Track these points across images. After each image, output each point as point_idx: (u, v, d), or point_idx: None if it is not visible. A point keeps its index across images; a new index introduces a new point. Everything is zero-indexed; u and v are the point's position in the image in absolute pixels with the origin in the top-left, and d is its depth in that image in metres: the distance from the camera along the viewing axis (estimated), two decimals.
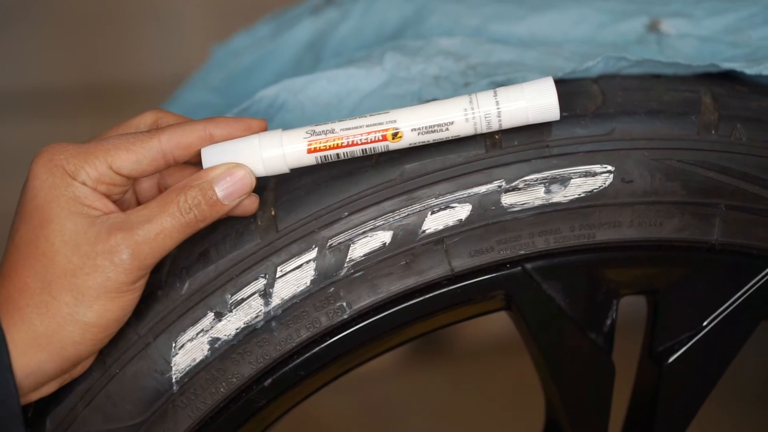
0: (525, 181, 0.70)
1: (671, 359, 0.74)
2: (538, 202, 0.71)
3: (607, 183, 0.71)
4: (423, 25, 0.87)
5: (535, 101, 0.69)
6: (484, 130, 0.69)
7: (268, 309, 0.71)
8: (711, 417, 0.95)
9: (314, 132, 0.69)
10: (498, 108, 0.69)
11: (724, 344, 0.74)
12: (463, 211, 0.70)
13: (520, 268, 0.72)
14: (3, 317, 0.66)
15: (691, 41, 0.80)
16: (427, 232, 0.71)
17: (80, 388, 0.71)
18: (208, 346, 0.71)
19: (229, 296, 0.71)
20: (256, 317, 0.71)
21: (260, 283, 0.71)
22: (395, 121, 0.69)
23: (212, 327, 0.71)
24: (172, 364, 0.71)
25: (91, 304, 0.67)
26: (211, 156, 0.70)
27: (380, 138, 0.69)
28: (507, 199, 0.70)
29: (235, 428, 0.73)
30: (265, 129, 0.71)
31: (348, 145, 0.69)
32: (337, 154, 0.69)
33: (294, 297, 0.71)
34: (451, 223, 0.71)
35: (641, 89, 0.73)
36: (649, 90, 0.73)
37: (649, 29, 0.81)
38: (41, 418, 0.71)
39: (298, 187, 0.72)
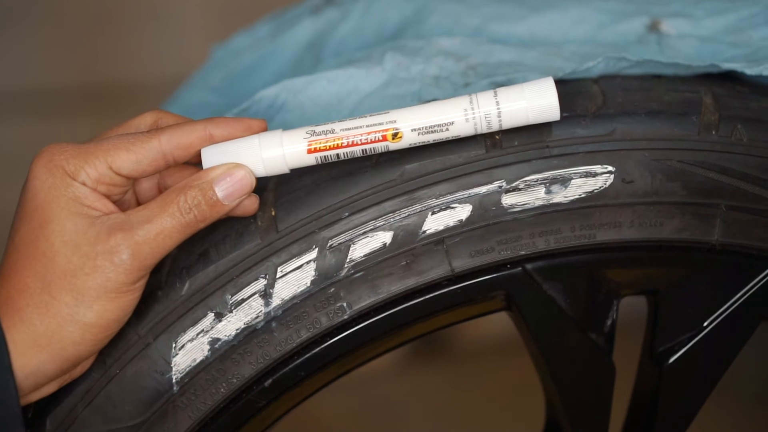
0: (525, 181, 0.70)
1: (672, 360, 0.74)
2: (538, 203, 0.70)
3: (608, 183, 0.71)
4: (423, 26, 0.87)
5: (535, 101, 0.68)
6: (485, 131, 0.69)
7: (268, 309, 0.71)
8: (711, 417, 0.94)
9: (314, 132, 0.69)
10: (498, 108, 0.68)
11: (724, 345, 0.74)
12: (463, 212, 0.70)
13: (520, 268, 0.72)
14: (3, 318, 0.66)
15: (692, 41, 0.80)
16: (427, 232, 0.71)
17: (80, 389, 0.71)
18: (208, 347, 0.71)
19: (230, 297, 0.71)
20: (257, 318, 0.71)
21: (260, 283, 0.70)
22: (395, 121, 0.69)
23: (212, 327, 0.71)
24: (172, 365, 0.71)
25: (91, 305, 0.67)
26: (211, 156, 0.70)
27: (380, 138, 0.69)
28: (507, 200, 0.70)
29: (236, 429, 0.73)
30: (266, 129, 0.71)
31: (348, 146, 0.69)
32: (338, 155, 0.69)
33: (294, 297, 0.71)
34: (451, 224, 0.71)
35: (642, 90, 0.73)
36: (650, 90, 0.73)
37: (650, 29, 0.81)
38: (41, 418, 0.71)
39: (298, 187, 0.72)
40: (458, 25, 0.85)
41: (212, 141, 0.70)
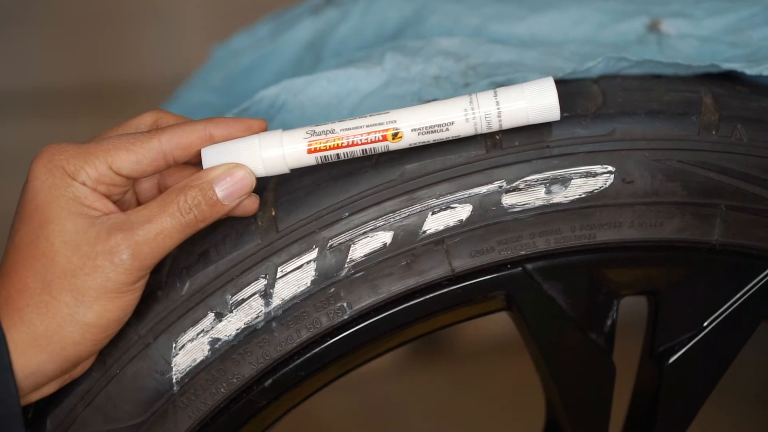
0: (526, 181, 0.70)
1: (672, 359, 0.74)
2: (538, 203, 0.70)
3: (608, 183, 0.71)
4: (423, 26, 0.87)
5: (535, 101, 0.68)
6: (485, 131, 0.69)
7: (268, 309, 0.71)
8: (711, 417, 0.94)
9: (314, 132, 0.69)
10: (498, 108, 0.68)
11: (724, 345, 0.74)
12: (463, 212, 0.70)
13: (520, 268, 0.72)
14: (3, 318, 0.66)
15: (692, 41, 0.80)
16: (427, 232, 0.71)
17: (80, 389, 0.71)
18: (208, 347, 0.71)
19: (230, 297, 0.71)
20: (257, 318, 0.71)
21: (261, 283, 0.70)
22: (395, 121, 0.69)
23: (213, 327, 0.71)
24: (172, 365, 0.71)
25: (91, 305, 0.67)
26: (211, 156, 0.70)
27: (380, 138, 0.69)
28: (508, 200, 0.70)
29: (236, 428, 0.73)
30: (266, 129, 0.71)
31: (348, 146, 0.69)
32: (338, 155, 0.69)
33: (294, 297, 0.71)
34: (451, 224, 0.71)
35: (642, 90, 0.73)
36: (650, 90, 0.73)
37: (650, 29, 0.81)
38: (41, 418, 0.71)
39: (298, 187, 0.72)
40: (458, 25, 0.85)
41: (212, 141, 0.70)
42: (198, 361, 0.71)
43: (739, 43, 0.79)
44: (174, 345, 0.71)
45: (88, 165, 0.68)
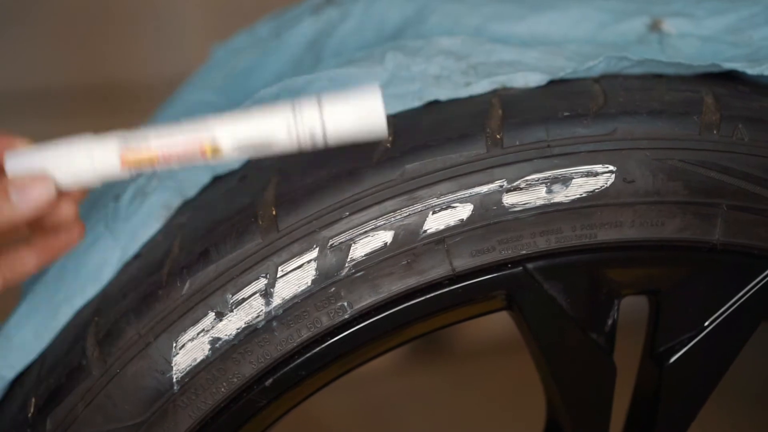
0: (527, 180, 0.70)
1: (672, 359, 0.74)
2: (539, 202, 0.70)
3: (609, 183, 0.71)
4: (423, 25, 0.87)
5: (361, 118, 0.65)
6: (309, 148, 0.66)
7: (269, 309, 0.71)
8: (711, 417, 0.94)
9: (127, 143, 0.66)
10: (323, 125, 0.65)
11: (725, 344, 0.74)
12: (464, 211, 0.70)
13: (521, 268, 0.71)
14: None
15: (693, 41, 0.80)
16: (428, 231, 0.70)
17: (81, 388, 0.71)
18: (208, 346, 0.71)
19: (230, 296, 0.71)
20: (257, 317, 0.71)
21: (261, 282, 0.70)
22: (214, 137, 0.65)
23: (213, 327, 0.71)
24: (172, 364, 0.71)
25: None
26: (15, 163, 0.67)
27: (198, 154, 0.65)
28: (508, 199, 0.70)
29: (236, 428, 0.73)
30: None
31: (164, 160, 0.66)
32: (153, 169, 0.66)
33: (295, 297, 0.71)
34: (452, 223, 0.70)
35: (643, 89, 0.73)
36: (651, 90, 0.73)
37: (651, 29, 0.81)
38: (42, 418, 0.71)
39: (299, 187, 0.71)
40: (459, 24, 0.85)
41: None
42: (198, 360, 0.71)
43: (739, 42, 0.79)
44: (174, 344, 0.71)
45: None
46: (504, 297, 0.73)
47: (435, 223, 0.70)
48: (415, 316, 0.72)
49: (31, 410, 0.72)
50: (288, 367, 0.72)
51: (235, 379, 0.71)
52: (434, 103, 0.75)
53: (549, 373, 0.75)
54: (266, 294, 0.70)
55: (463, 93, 0.74)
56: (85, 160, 0.66)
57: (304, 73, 0.81)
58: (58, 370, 0.73)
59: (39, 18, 1.92)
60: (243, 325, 0.71)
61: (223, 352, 0.71)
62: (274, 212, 0.71)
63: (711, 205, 0.71)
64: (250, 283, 0.70)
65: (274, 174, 0.73)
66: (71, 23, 1.94)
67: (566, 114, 0.70)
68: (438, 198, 0.70)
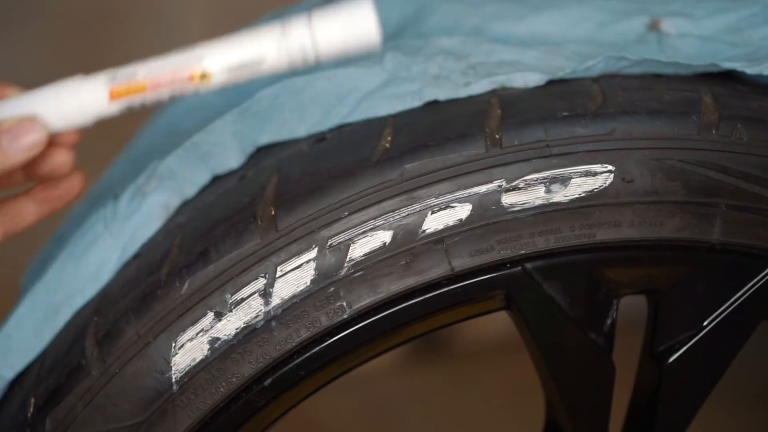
0: (525, 180, 0.70)
1: (672, 359, 0.74)
2: (538, 202, 0.70)
3: (608, 183, 0.71)
4: (423, 25, 0.87)
5: (352, 30, 0.63)
6: (300, 66, 0.64)
7: (268, 309, 0.71)
8: (711, 417, 0.94)
9: (115, 77, 0.64)
10: (313, 40, 0.63)
11: (724, 344, 0.74)
12: (463, 211, 0.70)
13: (520, 267, 0.71)
14: None
15: (692, 41, 0.80)
16: (427, 231, 0.71)
17: (80, 388, 0.71)
18: (208, 346, 0.71)
19: (229, 296, 0.71)
20: (256, 317, 0.71)
21: (260, 282, 0.70)
22: (202, 59, 0.64)
23: (212, 327, 0.71)
24: (171, 364, 0.71)
25: None
26: (4, 110, 0.66)
27: (187, 79, 0.64)
28: (507, 199, 0.70)
29: (235, 428, 0.73)
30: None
31: (153, 89, 0.64)
32: (143, 102, 0.65)
33: (294, 297, 0.71)
34: (451, 223, 0.71)
35: (642, 89, 0.73)
36: (650, 90, 0.73)
37: (650, 29, 0.81)
38: (41, 418, 0.71)
39: (298, 186, 0.72)
40: (458, 24, 0.85)
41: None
42: (197, 360, 0.71)
43: (739, 42, 0.79)
44: (173, 344, 0.71)
45: None
46: (503, 297, 0.73)
47: (434, 223, 0.70)
48: (414, 316, 0.72)
49: (31, 410, 0.72)
50: (287, 367, 0.72)
51: (234, 379, 0.71)
52: (433, 103, 0.75)
53: (548, 372, 0.75)
54: (265, 294, 0.71)
55: (463, 93, 0.74)
56: (73, 99, 0.65)
57: (303, 73, 0.81)
58: (58, 369, 0.73)
59: (39, 18, 1.92)
60: (242, 325, 0.71)
61: (222, 352, 0.71)
62: (273, 212, 0.71)
63: (710, 204, 0.71)
64: (249, 283, 0.70)
65: (273, 174, 0.73)
66: (71, 23, 1.94)
67: (565, 114, 0.70)
68: (437, 198, 0.70)
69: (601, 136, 0.70)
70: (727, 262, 0.73)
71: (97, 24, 1.95)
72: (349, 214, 0.70)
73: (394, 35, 0.89)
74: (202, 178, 0.78)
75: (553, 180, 0.70)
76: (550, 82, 0.74)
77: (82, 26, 1.95)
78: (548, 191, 0.70)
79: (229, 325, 0.71)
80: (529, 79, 0.74)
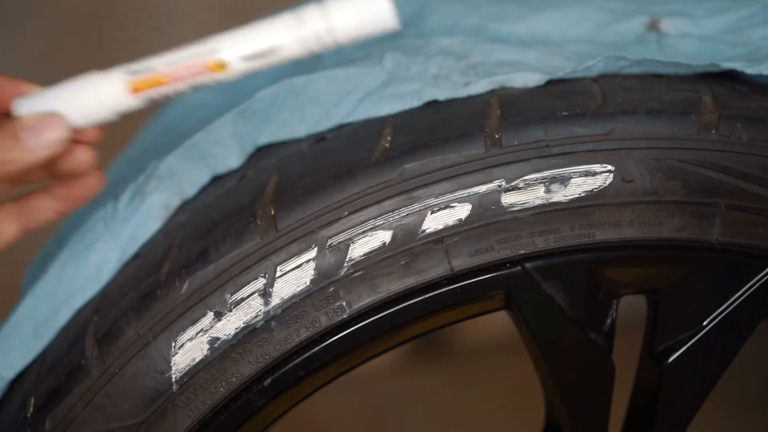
0: (525, 180, 0.70)
1: (671, 359, 0.74)
2: (538, 202, 0.70)
3: (608, 182, 0.71)
4: (423, 25, 0.87)
5: (366, 11, 0.63)
6: (319, 50, 0.65)
7: (267, 308, 0.71)
8: (711, 417, 0.94)
9: (133, 71, 0.65)
10: (328, 24, 0.64)
11: (724, 344, 0.74)
12: (462, 211, 0.70)
13: (520, 267, 0.71)
14: None
15: (692, 41, 0.80)
16: (426, 231, 0.71)
17: (80, 388, 0.71)
18: (207, 346, 0.71)
19: (229, 296, 0.71)
20: (256, 317, 0.71)
21: (260, 282, 0.70)
22: (219, 50, 0.64)
23: (212, 326, 0.71)
24: (171, 364, 0.71)
25: None
26: (25, 107, 0.66)
27: (205, 70, 0.64)
28: (507, 199, 0.70)
29: (235, 428, 0.73)
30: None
31: (172, 81, 0.65)
32: (163, 93, 0.65)
33: (294, 296, 0.71)
34: (450, 223, 0.71)
35: (641, 89, 0.73)
36: (650, 89, 0.73)
37: (649, 29, 0.81)
38: (41, 417, 0.71)
39: (297, 186, 0.72)
40: (458, 24, 0.85)
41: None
42: (197, 360, 0.71)
43: (738, 42, 0.79)
44: (173, 344, 0.71)
45: None
46: (502, 296, 0.73)
47: (433, 222, 0.70)
48: (413, 316, 0.72)
49: (31, 410, 0.72)
50: (287, 367, 0.72)
51: (234, 379, 0.71)
52: (433, 103, 0.75)
53: (548, 372, 0.75)
54: (265, 294, 0.71)
55: (462, 93, 0.74)
56: (92, 94, 0.65)
57: (303, 72, 0.81)
58: (58, 369, 0.73)
59: (39, 18, 1.92)
60: (242, 325, 0.71)
61: (221, 352, 0.71)
62: (272, 212, 0.71)
63: (709, 204, 0.71)
64: (248, 282, 0.71)
65: (273, 174, 0.73)
66: (72, 23, 1.94)
67: (565, 114, 0.71)
68: (436, 198, 0.70)
69: (601, 136, 0.70)
70: (727, 261, 0.73)
71: (97, 24, 1.95)
72: (348, 214, 0.70)
73: (395, 35, 0.89)
74: (202, 178, 0.78)
75: (553, 180, 0.70)
76: (550, 82, 0.74)
77: (82, 26, 1.95)
78: (548, 191, 0.70)
79: (229, 325, 0.71)
80: (528, 79, 0.74)
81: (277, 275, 0.70)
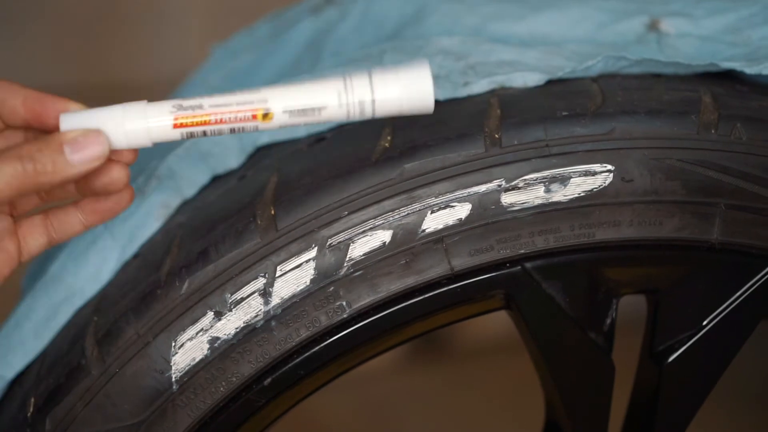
0: (525, 180, 0.70)
1: (671, 358, 0.74)
2: (537, 202, 0.71)
3: (607, 182, 0.71)
4: (422, 25, 0.87)
5: (410, 92, 0.66)
6: (357, 118, 0.67)
7: (267, 308, 0.71)
8: (711, 417, 0.94)
9: (181, 106, 0.67)
10: (372, 96, 0.66)
11: (724, 343, 0.74)
12: (462, 211, 0.70)
13: (519, 267, 0.72)
14: None
15: (691, 41, 0.80)
16: (426, 231, 0.71)
17: (80, 388, 0.71)
18: (207, 346, 0.71)
19: (229, 295, 0.71)
20: (256, 316, 0.71)
21: (260, 282, 0.70)
22: (267, 101, 0.66)
23: (212, 326, 0.71)
24: (171, 363, 0.71)
25: None
26: (69, 122, 0.68)
27: (250, 117, 0.67)
28: (507, 199, 0.70)
29: (235, 427, 0.73)
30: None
31: (216, 123, 0.67)
32: (204, 132, 0.67)
33: (294, 296, 0.71)
34: (450, 223, 0.71)
35: (641, 89, 0.73)
36: (649, 89, 0.73)
37: (649, 29, 0.81)
38: (41, 417, 0.71)
39: (297, 186, 0.72)
40: (458, 24, 0.85)
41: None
42: (197, 359, 0.71)
43: (738, 42, 0.79)
44: (173, 344, 0.71)
45: None
46: (502, 296, 0.73)
47: (433, 222, 0.70)
48: (413, 316, 0.72)
49: (31, 410, 0.72)
50: (287, 367, 0.72)
51: (234, 379, 0.71)
52: None
53: (548, 372, 0.75)
54: (265, 293, 0.71)
55: (462, 93, 0.74)
56: (139, 121, 0.67)
57: (303, 72, 0.82)
58: (58, 369, 0.73)
59: (39, 18, 1.92)
60: (242, 325, 0.71)
61: (221, 352, 0.71)
62: (272, 212, 0.71)
63: (709, 204, 0.71)
64: (248, 282, 0.71)
65: (273, 174, 0.73)
66: (72, 23, 1.94)
67: (564, 113, 0.71)
68: (436, 197, 0.70)
69: (601, 136, 0.70)
70: (727, 261, 0.73)
71: (97, 24, 1.95)
72: (348, 214, 0.70)
73: (394, 35, 0.89)
74: (202, 177, 0.78)
75: (553, 179, 0.70)
76: (550, 82, 0.74)
77: (82, 26, 1.95)
78: (548, 191, 0.70)
79: (229, 325, 0.71)
80: (528, 79, 0.74)
81: (277, 275, 0.70)
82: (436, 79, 0.76)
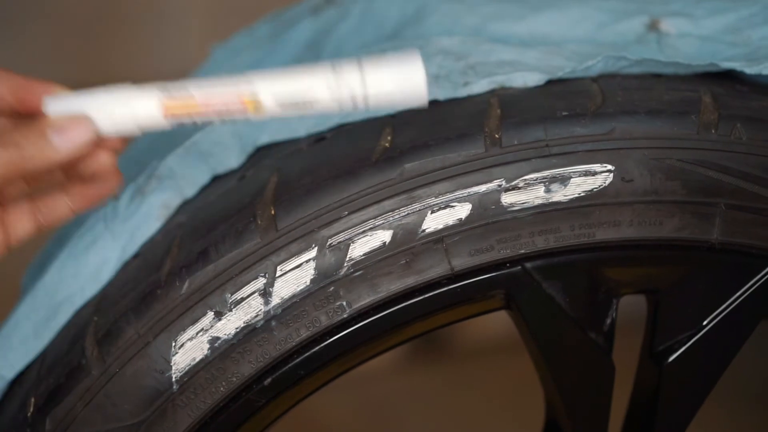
0: (525, 180, 0.70)
1: (671, 358, 0.74)
2: (538, 202, 0.71)
3: (607, 182, 0.71)
4: (422, 25, 0.87)
5: (403, 85, 0.66)
6: (348, 102, 0.66)
7: (267, 308, 0.71)
8: (711, 417, 0.94)
9: (169, 94, 0.66)
10: (362, 76, 0.66)
11: (724, 343, 0.74)
12: (462, 210, 0.70)
13: (520, 267, 0.72)
14: None
15: (691, 41, 0.80)
16: (426, 231, 0.71)
17: (80, 388, 0.71)
18: (207, 345, 0.71)
19: (229, 295, 0.71)
20: (256, 316, 0.71)
21: (260, 282, 0.70)
22: (254, 91, 0.66)
23: (212, 326, 0.71)
24: (171, 363, 0.71)
25: None
26: (54, 106, 0.67)
27: (240, 107, 0.66)
28: (507, 199, 0.70)
29: (235, 427, 0.73)
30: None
31: (204, 108, 0.66)
32: (193, 120, 0.67)
33: (294, 296, 0.71)
34: (450, 223, 0.71)
35: (641, 89, 0.73)
36: (649, 89, 0.73)
37: (649, 29, 0.81)
38: (41, 417, 0.71)
39: (297, 186, 0.72)
40: (458, 24, 0.85)
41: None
42: (197, 359, 0.71)
43: (738, 42, 0.79)
44: (173, 344, 0.71)
45: None
46: (502, 296, 0.73)
47: (433, 222, 0.70)
48: (413, 316, 0.72)
49: (31, 410, 0.72)
50: (287, 367, 0.72)
51: (234, 379, 0.71)
52: (433, 103, 0.74)
53: (548, 372, 0.75)
54: (265, 293, 0.71)
55: (462, 93, 0.74)
56: (125, 107, 0.66)
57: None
58: (58, 369, 0.73)
59: (39, 18, 1.92)
60: (242, 325, 0.71)
61: (222, 352, 0.71)
62: (272, 212, 0.71)
63: (709, 204, 0.71)
64: (248, 282, 0.71)
65: (273, 173, 0.73)
66: (72, 23, 1.94)
67: (564, 113, 0.71)
68: (436, 197, 0.70)
69: (601, 136, 0.70)
70: (727, 261, 0.73)
71: (97, 24, 1.95)
72: (348, 214, 0.70)
73: (394, 35, 0.89)
74: (202, 177, 0.78)
75: (553, 179, 0.70)
76: (550, 82, 0.74)
77: (82, 26, 1.95)
78: (548, 191, 0.71)
79: (229, 325, 0.71)
80: (528, 79, 0.74)
81: (277, 275, 0.70)
82: (437, 79, 0.76)
